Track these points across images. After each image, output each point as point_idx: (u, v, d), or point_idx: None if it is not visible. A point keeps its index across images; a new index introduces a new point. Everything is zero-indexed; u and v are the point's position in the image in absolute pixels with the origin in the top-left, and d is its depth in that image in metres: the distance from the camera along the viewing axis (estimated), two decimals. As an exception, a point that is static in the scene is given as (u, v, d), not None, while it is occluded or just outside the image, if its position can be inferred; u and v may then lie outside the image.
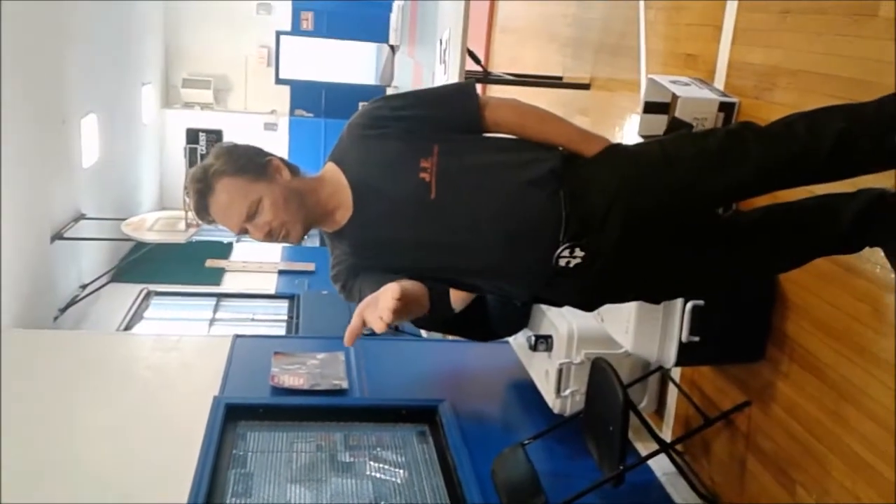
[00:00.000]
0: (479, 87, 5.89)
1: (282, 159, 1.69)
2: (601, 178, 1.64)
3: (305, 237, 1.72)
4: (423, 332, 5.52)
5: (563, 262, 1.64)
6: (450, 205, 1.63)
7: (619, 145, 1.73)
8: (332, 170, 1.70)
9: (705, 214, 1.78)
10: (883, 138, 1.59)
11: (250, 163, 1.64)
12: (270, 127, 11.63)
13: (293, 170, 1.69)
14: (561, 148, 1.69)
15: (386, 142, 1.65)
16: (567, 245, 1.62)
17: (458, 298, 1.80)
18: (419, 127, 1.65)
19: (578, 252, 1.63)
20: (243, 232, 1.64)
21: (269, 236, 1.62)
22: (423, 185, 1.62)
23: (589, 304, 1.85)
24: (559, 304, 1.92)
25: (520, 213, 1.62)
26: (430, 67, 7.19)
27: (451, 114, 1.68)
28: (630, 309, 2.75)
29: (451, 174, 1.63)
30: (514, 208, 1.62)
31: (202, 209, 1.64)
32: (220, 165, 1.62)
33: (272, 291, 8.11)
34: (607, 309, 2.93)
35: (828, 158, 1.60)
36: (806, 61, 2.49)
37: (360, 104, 1.75)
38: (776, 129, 1.67)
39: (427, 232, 1.65)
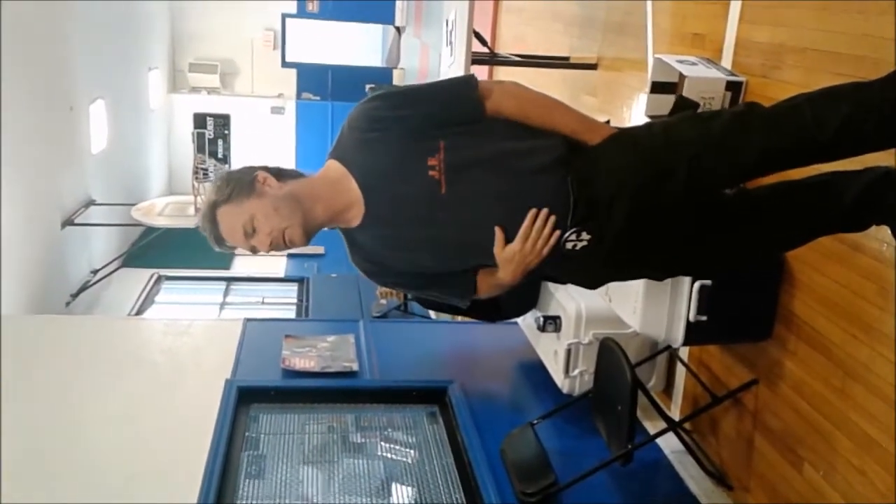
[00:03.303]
0: (484, 68, 5.87)
1: (269, 168, 1.71)
2: (606, 164, 1.66)
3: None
4: (432, 314, 5.55)
5: (570, 245, 1.66)
6: (461, 198, 1.64)
7: (623, 131, 1.73)
8: (336, 168, 1.70)
9: (710, 195, 1.79)
10: (887, 119, 1.58)
11: (238, 185, 1.68)
12: (277, 111, 11.59)
13: (285, 174, 1.72)
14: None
15: (390, 143, 1.65)
16: (574, 230, 1.64)
17: None
18: (422, 125, 1.65)
19: (585, 235, 1.66)
20: (254, 249, 1.70)
21: (274, 246, 1.67)
22: (433, 182, 1.63)
23: (593, 283, 1.89)
24: (564, 282, 1.94)
25: (529, 201, 1.64)
26: (436, 48, 7.15)
27: (452, 110, 1.68)
28: (638, 289, 2.76)
29: (460, 168, 1.64)
30: (523, 196, 1.64)
31: (219, 239, 1.71)
32: (215, 197, 1.69)
33: (281, 275, 8.15)
34: (615, 289, 2.95)
35: (831, 141, 1.60)
36: (813, 39, 2.48)
37: (367, 87, 1.74)
38: (781, 111, 1.66)
39: (441, 226, 1.67)
